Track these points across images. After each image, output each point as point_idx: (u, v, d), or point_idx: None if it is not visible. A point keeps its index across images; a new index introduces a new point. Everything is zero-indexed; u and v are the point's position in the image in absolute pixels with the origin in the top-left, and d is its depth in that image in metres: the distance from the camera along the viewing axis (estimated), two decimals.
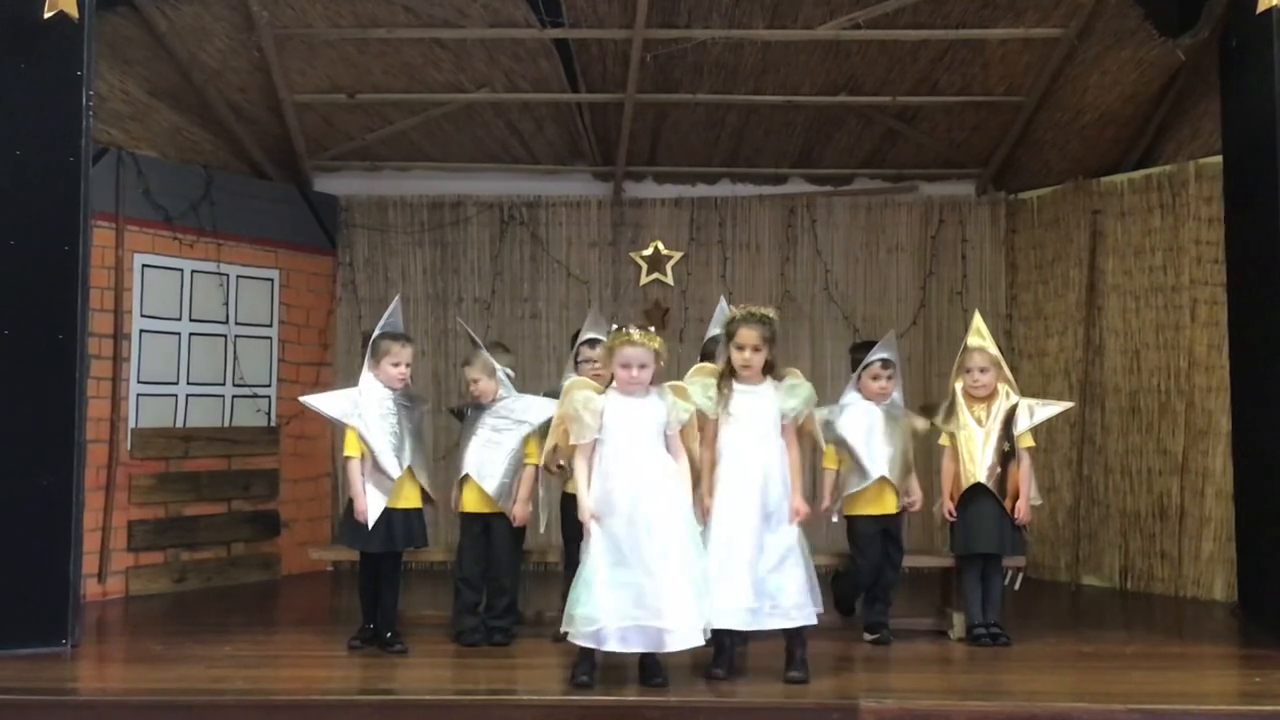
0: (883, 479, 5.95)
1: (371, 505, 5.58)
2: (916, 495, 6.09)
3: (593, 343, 5.99)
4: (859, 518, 6.02)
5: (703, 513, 5.11)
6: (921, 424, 6.22)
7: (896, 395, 6.18)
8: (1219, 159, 6.95)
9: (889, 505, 6.01)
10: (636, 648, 4.85)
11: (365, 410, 5.65)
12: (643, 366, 4.99)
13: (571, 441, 5.06)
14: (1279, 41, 5.59)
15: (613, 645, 4.82)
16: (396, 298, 6.13)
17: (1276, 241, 5.63)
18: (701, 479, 5.18)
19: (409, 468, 5.66)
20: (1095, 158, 8.14)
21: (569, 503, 5.74)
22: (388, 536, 5.64)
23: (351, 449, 5.64)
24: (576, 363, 6.13)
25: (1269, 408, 5.79)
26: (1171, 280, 7.63)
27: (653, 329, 5.19)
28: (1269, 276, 5.73)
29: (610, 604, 4.79)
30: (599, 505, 4.91)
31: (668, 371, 8.36)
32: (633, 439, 4.96)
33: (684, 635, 4.81)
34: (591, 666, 4.90)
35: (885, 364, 6.09)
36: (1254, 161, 6.03)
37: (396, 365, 5.71)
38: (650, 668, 4.94)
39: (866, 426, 6.00)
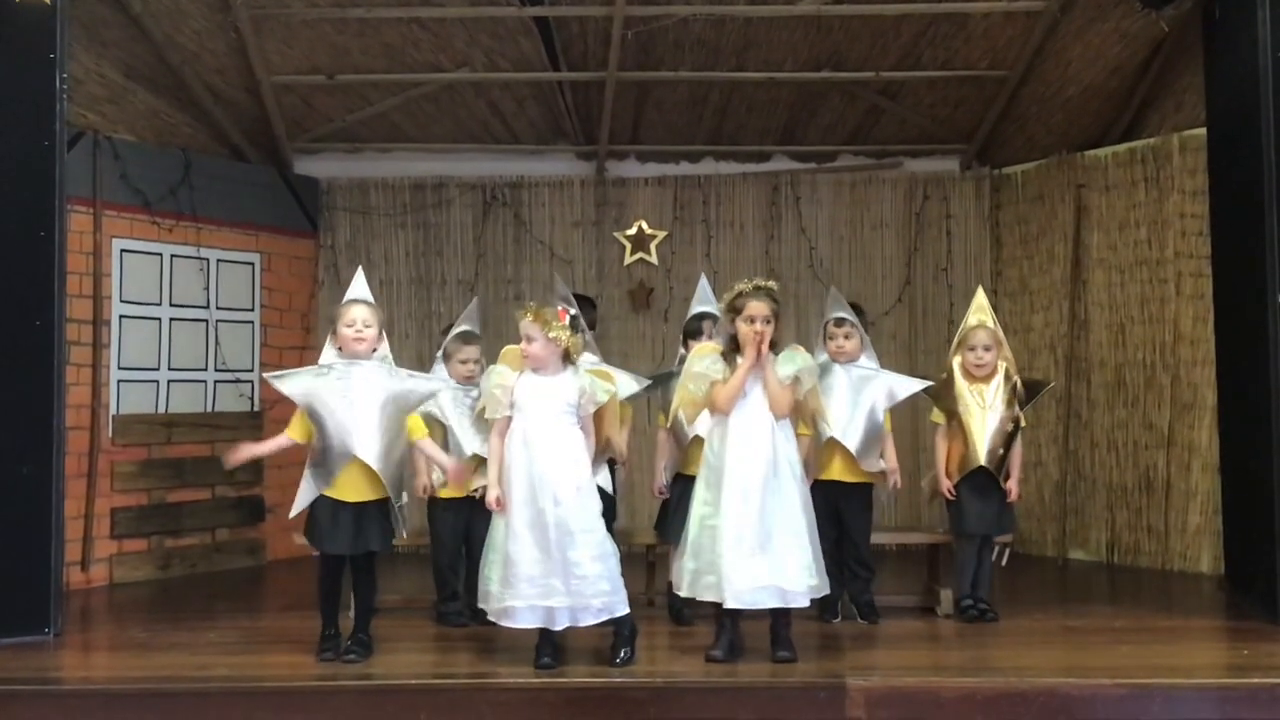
0: (833, 441, 5.78)
1: (300, 495, 5.06)
2: (892, 466, 5.90)
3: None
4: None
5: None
6: (904, 386, 6.02)
7: (866, 358, 6.02)
8: (1203, 131, 6.92)
9: (837, 471, 5.84)
10: (545, 624, 4.86)
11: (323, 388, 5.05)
12: (529, 340, 4.96)
13: (485, 417, 5.14)
14: (1262, 12, 5.56)
15: (523, 622, 4.86)
16: (359, 269, 5.54)
17: (1260, 213, 5.61)
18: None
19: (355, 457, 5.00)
20: (1079, 131, 8.12)
21: None
22: (335, 535, 5.06)
23: (295, 432, 5.06)
24: None
25: (1254, 380, 5.78)
26: (1156, 254, 7.62)
27: (562, 311, 5.07)
28: (1253, 249, 5.70)
29: (514, 582, 4.83)
30: (505, 482, 4.93)
31: (651, 349, 8.55)
32: (537, 416, 4.94)
33: (586, 613, 4.85)
34: (553, 648, 4.90)
35: (839, 322, 5.97)
36: (1238, 133, 6.00)
37: (351, 326, 5.05)
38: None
39: (825, 387, 5.68)
